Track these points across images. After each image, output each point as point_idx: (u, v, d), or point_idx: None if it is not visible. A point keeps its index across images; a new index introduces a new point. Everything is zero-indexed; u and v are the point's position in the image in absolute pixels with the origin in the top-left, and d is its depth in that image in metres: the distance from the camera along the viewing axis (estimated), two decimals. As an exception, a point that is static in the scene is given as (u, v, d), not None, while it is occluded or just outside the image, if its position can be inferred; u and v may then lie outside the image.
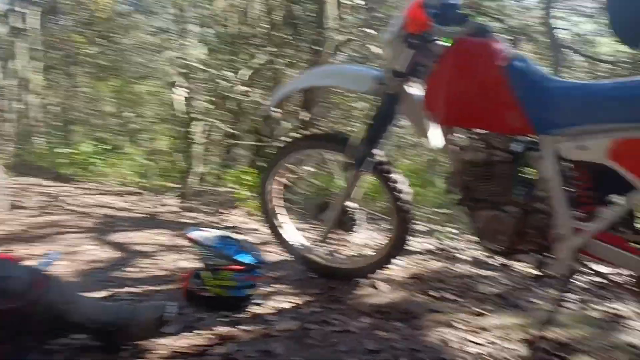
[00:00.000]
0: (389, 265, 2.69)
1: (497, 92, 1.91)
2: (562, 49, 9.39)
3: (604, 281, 2.11)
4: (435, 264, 3.08)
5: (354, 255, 2.91)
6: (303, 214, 2.68)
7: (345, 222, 2.57)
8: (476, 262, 3.09)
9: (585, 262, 2.02)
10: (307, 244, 2.82)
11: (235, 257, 2.30)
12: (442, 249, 3.34)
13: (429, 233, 4.34)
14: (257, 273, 2.38)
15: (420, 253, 3.32)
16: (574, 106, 1.83)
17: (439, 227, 4.38)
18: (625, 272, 2.20)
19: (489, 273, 2.92)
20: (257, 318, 2.28)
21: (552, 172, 1.91)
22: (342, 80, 2.38)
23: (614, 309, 2.45)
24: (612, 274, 2.70)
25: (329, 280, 2.71)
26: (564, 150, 1.87)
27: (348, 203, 2.54)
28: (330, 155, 2.58)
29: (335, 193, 2.55)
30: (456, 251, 3.33)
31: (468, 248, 3.37)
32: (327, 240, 2.64)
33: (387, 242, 2.57)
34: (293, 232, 2.84)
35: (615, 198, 1.96)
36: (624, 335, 2.20)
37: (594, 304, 2.52)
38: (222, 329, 2.13)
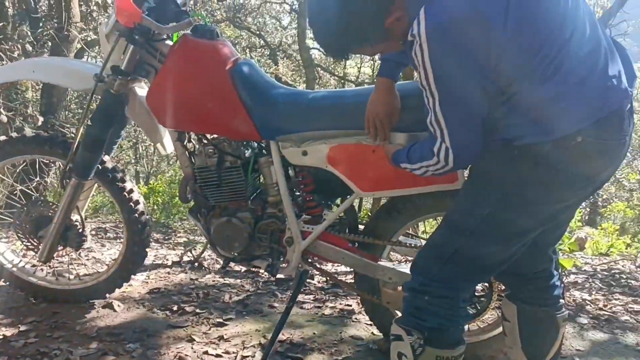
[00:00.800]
0: (128, 282, 2.48)
1: (223, 96, 1.87)
2: (315, 67, 10.12)
3: (335, 279, 2.23)
4: (180, 276, 2.95)
5: (85, 274, 2.61)
6: (18, 232, 2.30)
7: (71, 238, 2.28)
8: (223, 271, 3.05)
9: (315, 263, 2.11)
10: (25, 265, 2.44)
11: None
12: (190, 260, 3.22)
13: (184, 243, 4.20)
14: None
15: (165, 266, 3.15)
16: (295, 113, 1.88)
17: (193, 237, 4.26)
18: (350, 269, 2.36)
19: (234, 281, 2.90)
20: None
21: (280, 177, 1.95)
22: (56, 75, 2.09)
23: (345, 305, 2.62)
24: (338, 273, 2.92)
25: (53, 305, 2.38)
26: (289, 156, 1.91)
27: (73, 216, 2.25)
28: (49, 161, 2.26)
29: (56, 205, 2.24)
30: (204, 260, 3.25)
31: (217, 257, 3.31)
32: (49, 259, 2.30)
33: (121, 257, 2.36)
34: (7, 252, 2.43)
35: (338, 201, 2.11)
36: (351, 329, 2.35)
37: (328, 302, 2.66)
38: None
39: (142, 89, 2.11)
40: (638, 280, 3.99)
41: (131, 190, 2.27)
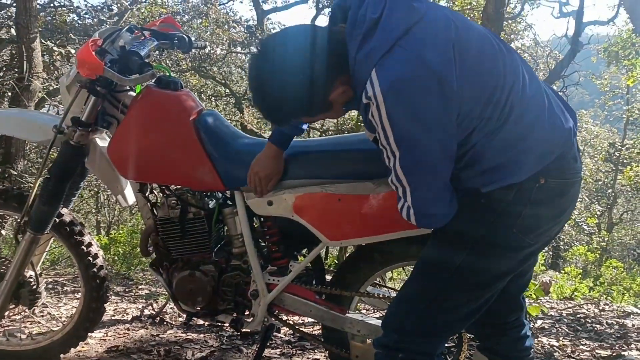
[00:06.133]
0: (84, 341, 2.35)
1: (187, 146, 1.85)
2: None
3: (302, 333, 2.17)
4: (141, 332, 2.82)
5: (38, 333, 2.47)
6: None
7: (24, 295, 2.16)
8: (185, 326, 2.93)
9: (280, 316, 2.05)
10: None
11: None
12: (150, 315, 3.10)
13: (145, 296, 4.05)
14: None
15: (125, 321, 3.02)
16: (259, 163, 1.86)
17: (155, 289, 4.13)
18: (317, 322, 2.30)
19: (197, 336, 2.79)
20: None
21: (245, 227, 1.91)
22: (14, 127, 2.03)
23: (312, 359, 2.55)
24: (305, 326, 2.85)
25: (2, 368, 2.23)
26: (254, 206, 1.88)
27: (27, 272, 2.14)
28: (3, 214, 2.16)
29: (8, 260, 2.13)
30: (166, 314, 3.13)
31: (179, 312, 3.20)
32: (0, 318, 2.17)
33: (77, 314, 2.24)
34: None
35: (304, 251, 2.07)
36: (319, 383, 2.28)
37: (295, 356, 2.58)
38: None
39: (103, 140, 2.06)
40: (603, 325, 4.02)
41: (89, 244, 2.19)
